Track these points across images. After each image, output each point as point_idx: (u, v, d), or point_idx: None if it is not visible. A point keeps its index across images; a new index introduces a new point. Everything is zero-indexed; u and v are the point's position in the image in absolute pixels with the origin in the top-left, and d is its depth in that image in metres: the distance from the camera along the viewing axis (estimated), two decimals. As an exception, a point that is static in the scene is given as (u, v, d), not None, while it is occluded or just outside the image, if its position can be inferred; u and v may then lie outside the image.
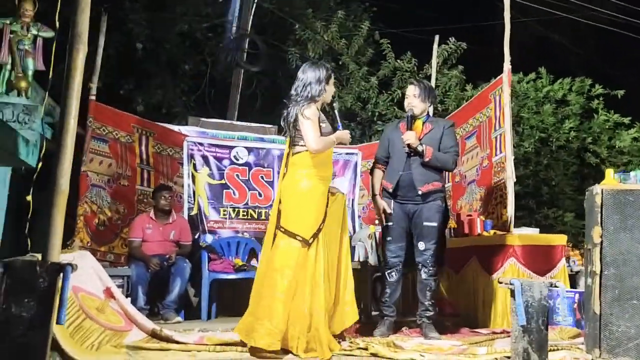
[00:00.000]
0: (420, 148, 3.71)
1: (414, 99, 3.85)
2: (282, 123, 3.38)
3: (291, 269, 3.05)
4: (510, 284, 2.22)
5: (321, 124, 3.26)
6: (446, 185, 5.72)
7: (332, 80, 3.37)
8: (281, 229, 3.15)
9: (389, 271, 3.81)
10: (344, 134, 3.34)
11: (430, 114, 5.39)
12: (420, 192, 3.72)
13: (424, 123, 3.88)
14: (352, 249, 5.78)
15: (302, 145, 3.25)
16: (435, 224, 3.71)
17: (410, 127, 3.79)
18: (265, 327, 2.93)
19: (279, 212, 3.23)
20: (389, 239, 3.83)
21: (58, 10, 2.22)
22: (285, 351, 2.97)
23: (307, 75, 3.29)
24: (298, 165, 3.25)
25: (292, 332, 2.99)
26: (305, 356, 2.93)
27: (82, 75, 1.72)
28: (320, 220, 3.18)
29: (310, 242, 3.11)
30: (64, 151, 1.70)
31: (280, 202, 3.26)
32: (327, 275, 3.16)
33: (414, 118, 3.85)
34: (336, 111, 3.42)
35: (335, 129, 3.35)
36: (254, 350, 2.92)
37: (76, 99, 1.71)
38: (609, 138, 8.38)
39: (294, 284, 3.05)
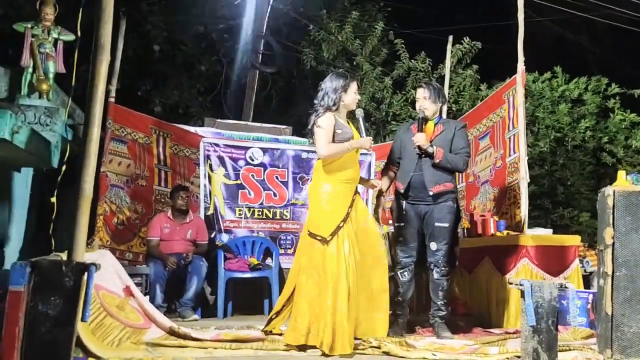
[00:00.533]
0: (430, 150, 3.75)
1: (424, 101, 3.90)
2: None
3: (315, 269, 3.24)
4: (520, 284, 2.26)
5: (337, 130, 3.40)
6: (459, 186, 5.75)
7: (351, 89, 3.47)
8: (307, 232, 3.37)
9: (401, 271, 3.86)
10: (363, 141, 3.45)
11: (444, 114, 5.44)
12: (431, 193, 3.77)
13: (435, 124, 3.92)
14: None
15: None
16: (446, 225, 3.75)
17: (421, 129, 3.83)
18: (291, 324, 3.19)
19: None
20: (400, 239, 3.89)
21: (80, 19, 2.30)
22: (310, 347, 3.11)
23: (327, 85, 3.48)
24: (317, 170, 3.47)
25: (315, 327, 3.12)
26: (329, 352, 3.02)
27: (105, 85, 1.79)
28: (339, 219, 3.30)
29: (328, 239, 3.24)
30: (88, 158, 1.78)
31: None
32: (354, 272, 3.24)
33: (425, 120, 3.89)
34: (360, 119, 3.52)
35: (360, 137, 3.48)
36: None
37: (99, 108, 1.79)
38: (625, 138, 8.30)
39: (319, 283, 3.20)
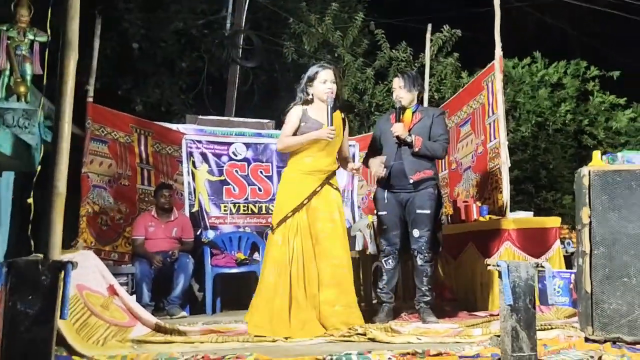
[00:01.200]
0: (409, 139, 3.78)
1: (400, 91, 3.92)
2: None
3: (267, 258, 3.44)
4: (498, 265, 2.29)
5: (301, 123, 3.47)
6: (442, 173, 5.79)
7: (318, 79, 3.49)
8: None
9: (385, 258, 3.91)
10: (318, 132, 3.45)
11: (425, 102, 5.47)
12: (411, 181, 3.79)
13: (413, 113, 3.94)
14: (353, 239, 5.87)
15: None
16: (428, 212, 3.79)
17: (399, 119, 3.86)
18: (255, 315, 3.36)
19: None
20: (384, 227, 3.93)
21: (49, 18, 2.29)
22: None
23: (301, 80, 3.57)
24: (287, 162, 3.63)
25: (265, 316, 3.29)
26: (276, 337, 3.13)
27: (74, 81, 1.79)
28: (289, 208, 3.39)
29: (274, 228, 3.40)
30: (59, 155, 1.78)
31: None
32: (298, 262, 3.33)
33: (403, 109, 3.92)
34: (328, 108, 3.47)
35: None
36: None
37: (69, 105, 1.78)
38: (605, 119, 8.40)
39: (267, 271, 3.38)
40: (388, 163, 3.85)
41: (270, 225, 3.49)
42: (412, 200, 3.82)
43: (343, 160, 3.75)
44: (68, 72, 1.77)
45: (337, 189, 3.63)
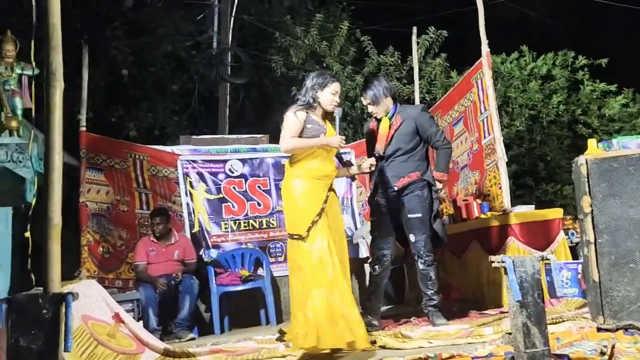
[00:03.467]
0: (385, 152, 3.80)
1: (370, 107, 3.87)
2: None
3: (298, 269, 3.16)
4: (502, 262, 2.27)
5: (307, 125, 3.32)
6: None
7: (329, 88, 3.39)
8: (288, 234, 3.31)
9: (373, 264, 3.87)
10: (331, 139, 3.35)
11: (417, 101, 5.45)
12: (396, 188, 3.74)
13: (391, 119, 3.84)
14: (356, 246, 5.85)
15: None
16: (419, 215, 3.71)
17: (378, 127, 3.86)
18: (299, 330, 3.05)
19: None
20: (375, 233, 3.91)
21: (32, 50, 2.29)
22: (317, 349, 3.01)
23: (307, 82, 3.43)
24: (287, 167, 3.41)
25: (306, 328, 3.01)
26: (314, 349, 2.97)
27: (61, 112, 1.78)
28: (315, 213, 3.21)
29: (304, 236, 3.16)
30: (52, 186, 1.76)
31: None
32: (334, 266, 3.14)
33: (379, 120, 3.89)
34: (337, 118, 3.41)
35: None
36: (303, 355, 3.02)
37: (58, 135, 1.77)
38: (598, 107, 8.42)
39: (303, 282, 3.11)
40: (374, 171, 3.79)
41: (294, 236, 3.21)
42: (402, 206, 3.76)
43: None
44: (54, 102, 1.77)
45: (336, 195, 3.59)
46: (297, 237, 3.19)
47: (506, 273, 2.27)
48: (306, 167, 3.30)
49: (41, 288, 1.97)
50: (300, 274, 3.15)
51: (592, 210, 3.04)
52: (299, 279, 3.16)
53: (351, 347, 2.99)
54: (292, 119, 3.31)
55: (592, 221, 3.03)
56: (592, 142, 3.22)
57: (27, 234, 2.26)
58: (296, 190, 3.28)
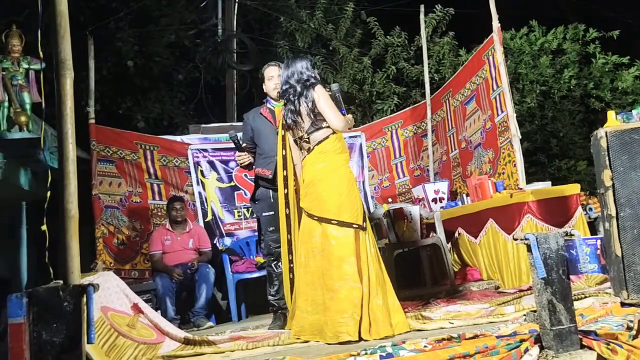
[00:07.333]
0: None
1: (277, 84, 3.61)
2: (289, 121, 3.22)
3: (355, 257, 2.99)
4: (525, 239, 2.22)
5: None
6: (452, 154, 5.72)
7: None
8: (333, 222, 3.02)
9: (275, 262, 3.63)
10: (351, 117, 3.27)
11: (426, 84, 5.36)
12: None
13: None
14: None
15: (326, 128, 3.14)
16: None
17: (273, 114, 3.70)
18: (351, 317, 2.90)
19: (312, 199, 3.11)
20: (271, 228, 3.63)
21: (39, 42, 2.25)
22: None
23: (296, 67, 3.23)
24: (332, 150, 3.14)
25: (358, 315, 2.92)
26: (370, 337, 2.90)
27: (72, 101, 1.75)
28: (362, 204, 3.17)
29: (365, 226, 3.06)
30: (67, 177, 1.73)
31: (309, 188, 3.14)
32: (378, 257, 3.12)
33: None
34: (337, 94, 3.26)
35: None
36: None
37: (71, 125, 1.74)
38: (610, 80, 8.24)
39: (360, 270, 2.99)
40: (270, 160, 3.58)
41: (353, 225, 3.00)
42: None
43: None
44: (65, 91, 1.73)
45: None
46: (357, 226, 3.02)
47: (529, 250, 2.22)
48: (344, 151, 3.22)
49: (60, 281, 1.96)
50: (355, 261, 2.97)
51: (613, 184, 2.97)
52: (353, 267, 2.96)
53: (393, 333, 2.92)
54: (327, 94, 3.17)
55: (614, 195, 2.95)
56: (611, 114, 3.14)
57: (44, 227, 2.24)
58: (350, 178, 3.16)
